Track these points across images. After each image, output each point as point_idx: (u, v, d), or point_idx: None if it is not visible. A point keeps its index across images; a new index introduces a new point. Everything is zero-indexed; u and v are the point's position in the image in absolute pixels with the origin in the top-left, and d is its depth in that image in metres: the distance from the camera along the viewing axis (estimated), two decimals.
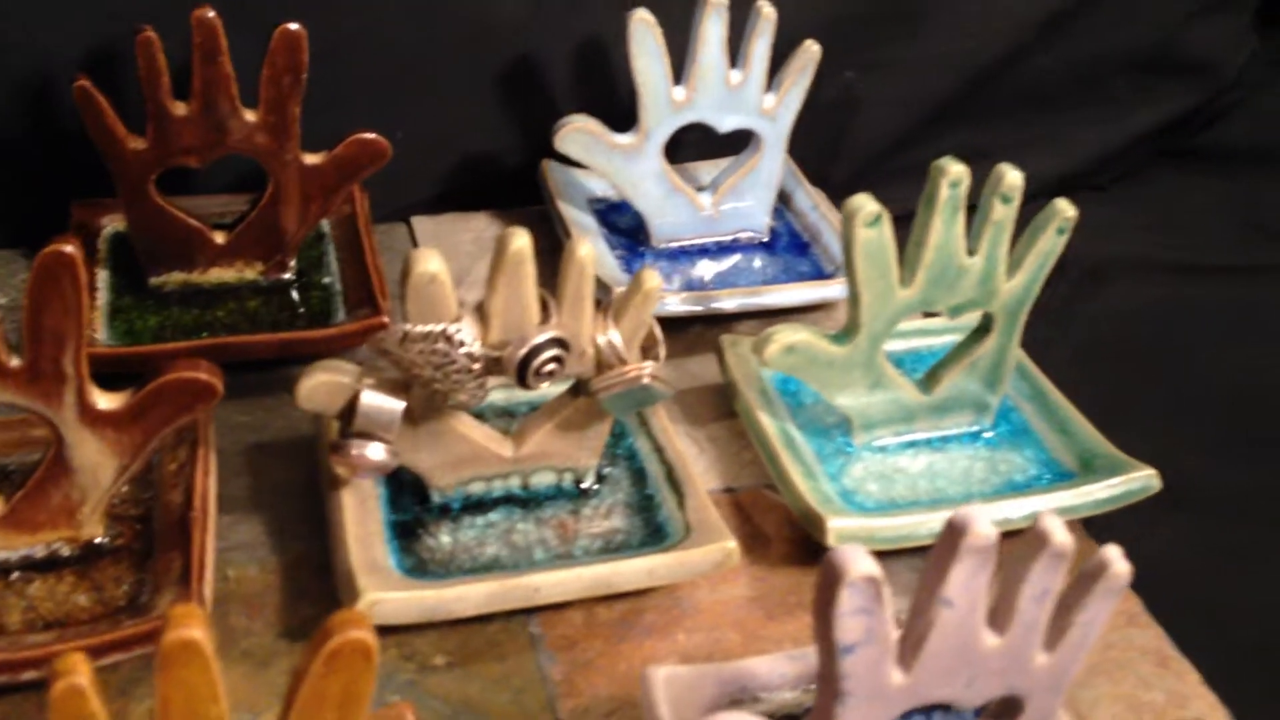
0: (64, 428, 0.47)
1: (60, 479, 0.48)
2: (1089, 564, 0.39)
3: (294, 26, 0.60)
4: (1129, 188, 0.89)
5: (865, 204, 0.52)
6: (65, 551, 0.50)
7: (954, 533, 0.37)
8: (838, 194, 0.79)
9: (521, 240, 0.47)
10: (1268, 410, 0.69)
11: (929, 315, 0.65)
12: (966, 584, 0.37)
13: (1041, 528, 0.38)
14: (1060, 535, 0.38)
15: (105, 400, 0.47)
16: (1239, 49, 0.91)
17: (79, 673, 0.29)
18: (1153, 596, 0.56)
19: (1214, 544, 0.61)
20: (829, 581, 0.36)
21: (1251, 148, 0.90)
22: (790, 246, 0.74)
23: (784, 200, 0.76)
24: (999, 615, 0.39)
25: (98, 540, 0.50)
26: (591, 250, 0.49)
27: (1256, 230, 0.84)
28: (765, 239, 0.74)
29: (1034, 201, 0.86)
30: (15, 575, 0.49)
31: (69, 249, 0.44)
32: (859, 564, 0.36)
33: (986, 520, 0.36)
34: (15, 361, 0.45)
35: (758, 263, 0.73)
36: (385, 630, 0.49)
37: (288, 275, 0.67)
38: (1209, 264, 0.81)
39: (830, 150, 0.81)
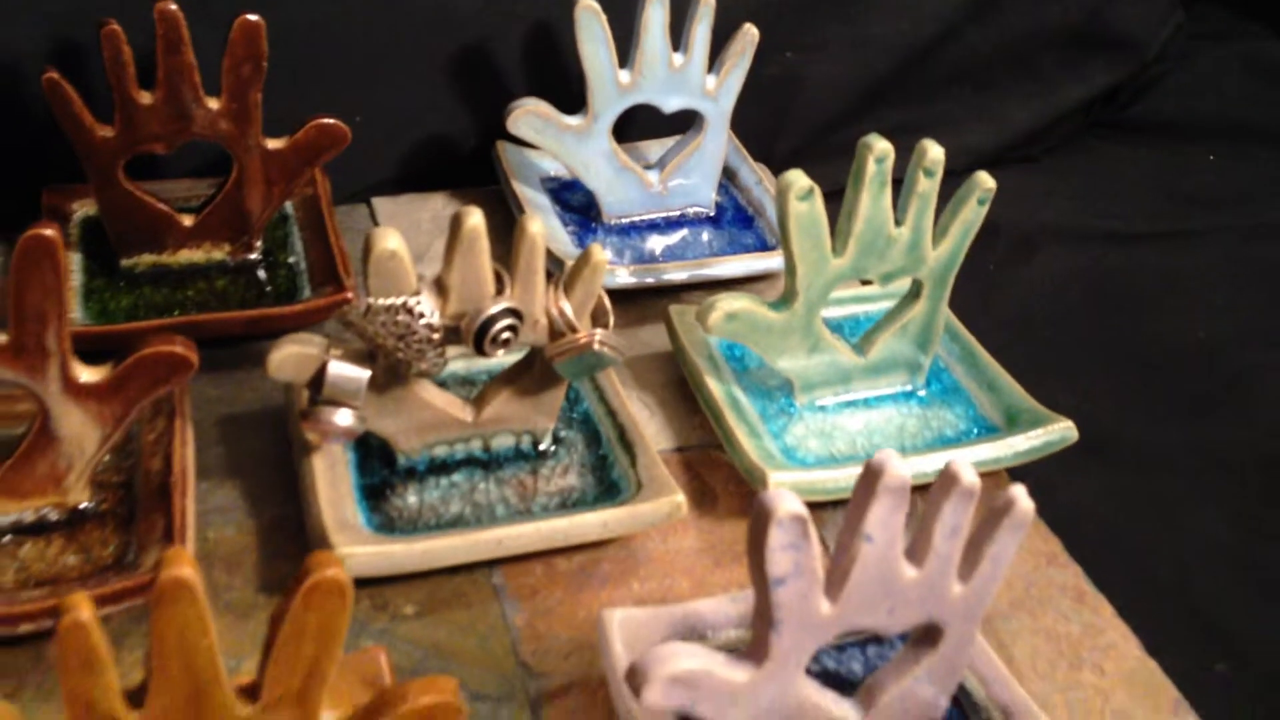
0: (49, 400, 0.50)
1: (46, 448, 0.51)
2: (996, 502, 0.43)
3: (253, 17, 0.63)
4: (1060, 159, 0.94)
5: (797, 179, 0.56)
6: (53, 516, 0.53)
7: (871, 475, 0.41)
8: (781, 169, 0.82)
9: (475, 218, 0.51)
10: (1184, 368, 0.73)
11: (866, 283, 0.69)
12: (884, 521, 0.41)
13: (950, 470, 0.42)
14: (967, 476, 0.41)
15: (87, 374, 0.50)
16: (1163, 24, 0.95)
17: (83, 610, 0.33)
18: (1072, 538, 0.60)
19: (1130, 491, 0.65)
20: (759, 520, 0.40)
21: (1175, 119, 0.95)
22: (735, 220, 0.77)
23: (729, 176, 0.79)
24: (916, 550, 0.43)
25: (83, 505, 0.53)
26: (542, 227, 0.52)
27: (1180, 198, 0.89)
28: (711, 213, 0.78)
29: (969, 173, 0.91)
30: (7, 539, 0.52)
31: (49, 232, 0.47)
32: (786, 504, 0.39)
33: (900, 463, 0.40)
34: (1, 339, 0.48)
35: (705, 236, 0.76)
36: (359, 583, 0.52)
37: (254, 255, 0.70)
38: (1134, 230, 0.86)
39: (773, 128, 0.84)
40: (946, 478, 0.42)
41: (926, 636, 0.46)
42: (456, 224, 0.51)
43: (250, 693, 0.37)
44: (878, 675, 0.47)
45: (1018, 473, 0.63)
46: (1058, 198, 0.89)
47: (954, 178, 0.85)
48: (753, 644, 0.43)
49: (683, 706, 0.43)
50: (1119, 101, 0.96)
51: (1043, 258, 0.83)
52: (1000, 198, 0.90)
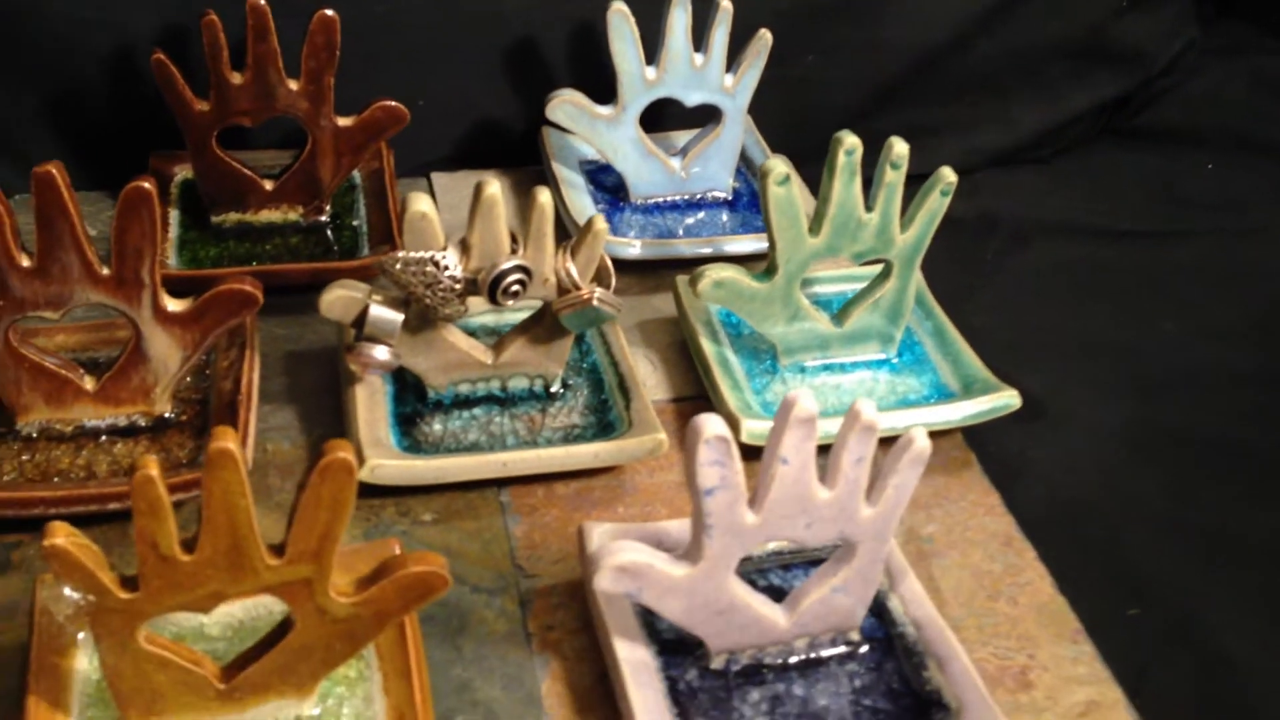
0: (141, 324, 0.61)
1: (138, 365, 0.62)
2: (900, 441, 0.52)
3: (329, 12, 0.73)
4: (1068, 161, 1.00)
5: (776, 166, 0.65)
6: (141, 422, 0.64)
7: (785, 408, 0.49)
8: (801, 160, 0.92)
9: (493, 188, 0.60)
10: (1147, 355, 0.80)
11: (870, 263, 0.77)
12: (797, 447, 0.50)
13: (853, 410, 0.50)
14: (867, 414, 0.50)
15: (173, 304, 0.61)
16: (1174, 39, 1.02)
17: (152, 468, 0.43)
18: (1013, 494, 0.68)
19: (1076, 459, 0.72)
20: (692, 440, 0.49)
21: (1180, 128, 1.01)
22: (750, 204, 0.86)
23: (747, 164, 0.88)
24: (828, 475, 0.52)
25: (166, 415, 0.65)
26: (550, 197, 0.62)
27: (1175, 201, 0.95)
28: (729, 197, 0.87)
29: (980, 172, 0.99)
30: (104, 438, 0.63)
31: (147, 185, 0.58)
32: (712, 426, 0.49)
33: (810, 399, 0.49)
34: (105, 271, 0.59)
35: (722, 218, 0.85)
36: (386, 491, 0.63)
37: (323, 217, 0.81)
38: (1125, 229, 0.92)
39: (795, 123, 0.92)
40: (851, 415, 0.50)
41: (843, 553, 0.55)
42: (478, 192, 0.61)
43: (277, 550, 0.48)
44: (803, 585, 0.56)
45: (972, 434, 0.71)
46: (1059, 196, 0.96)
47: (966, 177, 0.94)
48: (690, 546, 0.52)
49: (630, 593, 0.52)
50: (1129, 110, 1.02)
51: (1036, 250, 0.90)
52: (1005, 194, 0.98)
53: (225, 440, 0.44)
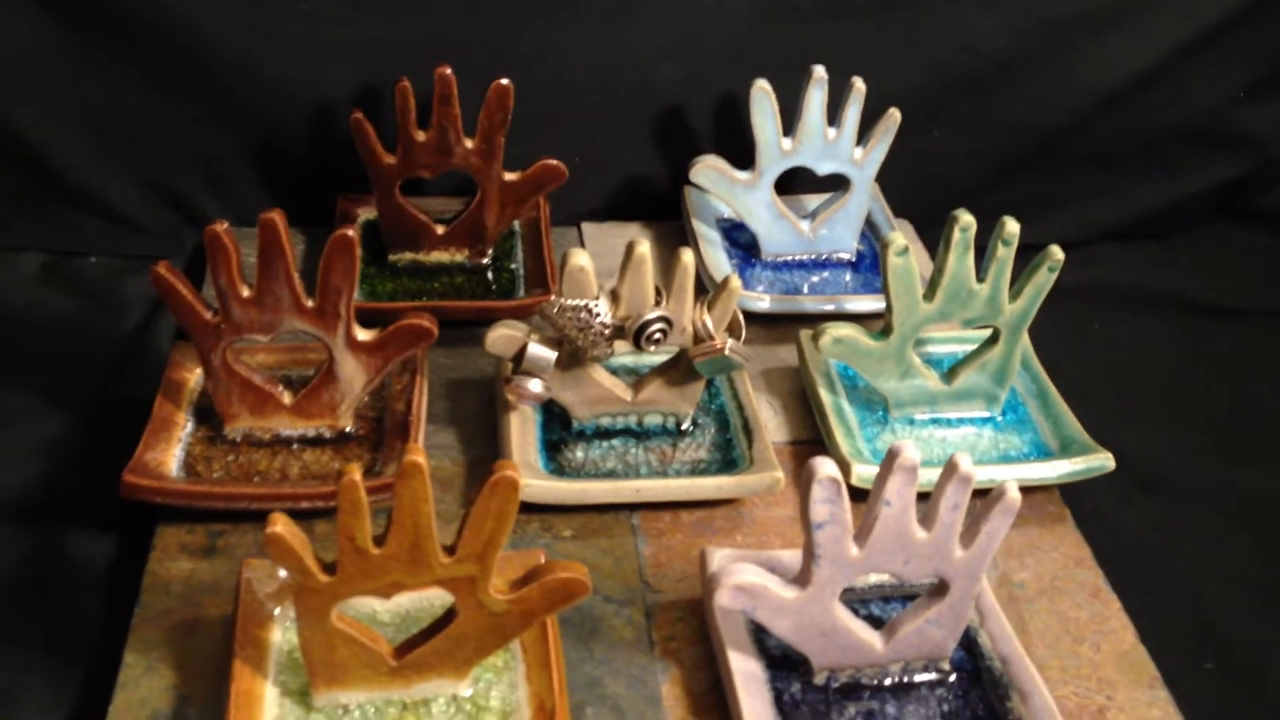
0: (335, 349, 0.71)
1: (329, 384, 0.72)
2: (994, 492, 0.58)
3: (505, 81, 0.83)
4: (1183, 238, 1.05)
5: (896, 239, 0.72)
6: (327, 434, 0.74)
7: (891, 456, 0.56)
8: (923, 226, 0.98)
9: (643, 247, 0.69)
10: (1245, 426, 0.85)
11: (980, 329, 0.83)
12: (900, 491, 0.57)
13: (952, 461, 0.57)
14: (964, 466, 0.57)
15: (362, 334, 0.71)
16: None
17: (356, 473, 0.52)
18: (1104, 551, 0.73)
19: (1168, 520, 0.77)
20: (807, 479, 0.56)
21: None
22: (872, 266, 0.93)
23: (871, 228, 0.95)
24: (927, 518, 0.58)
25: (348, 430, 0.74)
26: (692, 256, 0.70)
27: None
28: (853, 259, 0.94)
29: (1095, 245, 1.04)
30: (295, 446, 0.73)
31: (351, 234, 0.68)
32: (826, 469, 0.56)
33: (913, 449, 0.56)
34: (309, 303, 0.69)
35: (846, 277, 0.93)
36: (532, 508, 0.72)
37: (486, 260, 0.91)
38: (1235, 306, 0.97)
39: (919, 190, 0.99)
40: (949, 466, 0.57)
41: (937, 589, 0.61)
42: (630, 250, 0.69)
43: (450, 550, 0.56)
44: (899, 615, 0.62)
45: (1069, 491, 0.77)
46: (1171, 272, 1.01)
47: (1080, 248, 1.00)
48: (800, 572, 0.60)
49: (745, 610, 0.59)
50: (1247, 191, 1.06)
51: (1145, 322, 0.95)
52: (1118, 267, 1.04)
53: (416, 455, 0.53)
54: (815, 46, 0.91)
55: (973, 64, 0.96)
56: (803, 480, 0.56)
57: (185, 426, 0.73)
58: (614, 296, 0.71)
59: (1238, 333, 0.94)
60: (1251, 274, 1.01)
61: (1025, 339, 0.79)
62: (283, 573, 0.60)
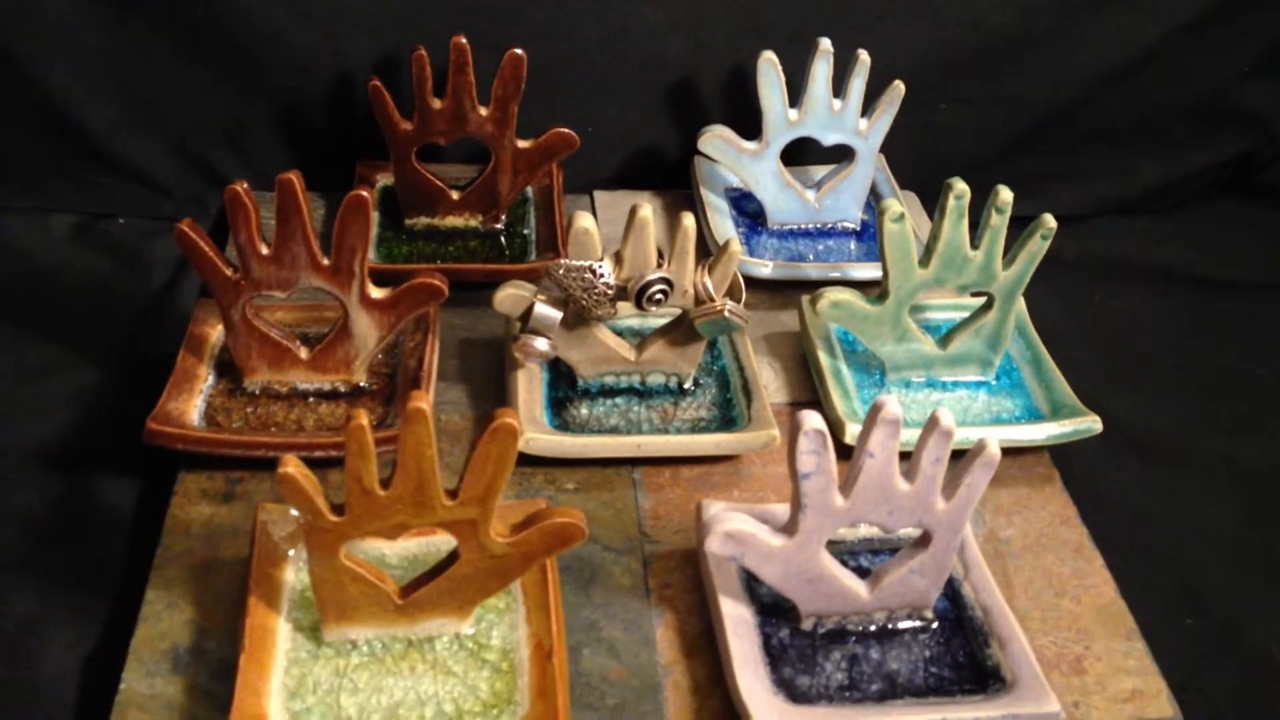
0: (349, 307, 0.74)
1: (344, 340, 0.75)
2: (975, 446, 0.61)
3: (518, 50, 0.86)
4: (1186, 213, 1.06)
5: (892, 205, 0.74)
6: (341, 389, 0.77)
7: (875, 410, 0.59)
8: (929, 198, 1.00)
9: (645, 211, 0.71)
10: (1239, 395, 0.87)
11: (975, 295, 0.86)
12: (883, 443, 0.59)
13: (933, 417, 0.59)
14: (945, 421, 0.59)
15: (375, 292, 0.74)
16: None
17: (363, 418, 0.55)
18: (1090, 510, 0.75)
19: (1156, 483, 0.79)
20: (794, 431, 0.59)
21: None
22: (876, 235, 0.95)
23: (877, 199, 0.97)
24: (910, 471, 0.61)
25: (361, 384, 0.77)
26: (693, 220, 0.72)
27: None
28: (857, 228, 0.96)
29: (1098, 218, 1.05)
30: (311, 399, 0.76)
31: (365, 194, 0.70)
32: (812, 421, 0.58)
33: (895, 403, 0.58)
34: (325, 261, 0.72)
35: (850, 246, 0.95)
36: (537, 461, 0.74)
37: (499, 225, 0.93)
38: (1235, 280, 0.98)
39: (925, 163, 1.01)
40: (931, 421, 0.59)
41: (920, 540, 0.64)
42: (633, 214, 0.72)
43: (452, 494, 0.59)
44: (884, 565, 0.65)
45: (1060, 456, 0.79)
46: (1173, 245, 1.02)
47: (1083, 221, 1.02)
48: (788, 521, 0.62)
49: (734, 556, 0.62)
50: (1251, 167, 1.07)
51: (1144, 293, 0.97)
52: (1120, 240, 1.05)
53: (420, 401, 0.55)
54: (822, 20, 0.93)
55: (978, 38, 0.97)
56: (790, 432, 0.59)
57: (207, 379, 0.77)
58: (617, 258, 0.73)
59: (1237, 306, 0.96)
60: (1253, 249, 1.02)
61: (1021, 305, 0.81)
62: (295, 513, 0.63)
